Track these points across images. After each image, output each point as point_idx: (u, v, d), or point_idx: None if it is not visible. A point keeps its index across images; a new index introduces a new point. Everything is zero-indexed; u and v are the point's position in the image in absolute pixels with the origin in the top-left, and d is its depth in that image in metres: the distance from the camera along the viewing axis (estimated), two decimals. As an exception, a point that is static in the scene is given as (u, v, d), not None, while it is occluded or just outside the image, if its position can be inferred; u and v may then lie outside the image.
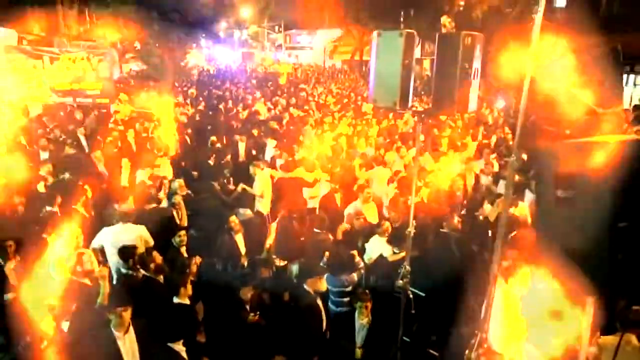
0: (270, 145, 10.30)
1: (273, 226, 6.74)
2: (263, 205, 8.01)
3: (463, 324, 4.86)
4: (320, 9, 34.84)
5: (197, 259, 5.39)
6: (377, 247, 5.89)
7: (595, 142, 2.20)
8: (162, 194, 7.31)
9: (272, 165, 9.01)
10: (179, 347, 4.24)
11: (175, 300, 4.74)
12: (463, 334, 4.45)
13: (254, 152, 10.41)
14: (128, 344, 4.07)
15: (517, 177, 7.59)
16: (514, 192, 6.90)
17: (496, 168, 8.99)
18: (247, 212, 7.39)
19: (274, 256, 6.53)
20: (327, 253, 5.65)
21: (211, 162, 9.34)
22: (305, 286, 5.04)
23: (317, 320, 5.06)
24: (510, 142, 11.32)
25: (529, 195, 6.95)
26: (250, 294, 5.05)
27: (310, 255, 5.81)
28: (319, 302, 5.09)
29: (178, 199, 7.02)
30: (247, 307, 5.00)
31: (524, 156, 7.09)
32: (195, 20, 12.32)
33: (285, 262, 6.18)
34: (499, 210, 5.84)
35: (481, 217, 6.88)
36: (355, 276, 5.52)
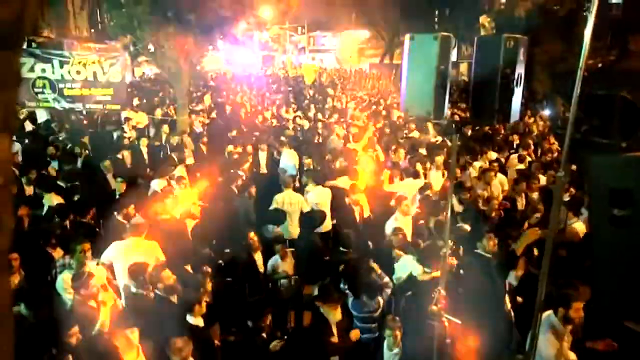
0: (286, 154, 10.25)
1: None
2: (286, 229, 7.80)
3: (506, 357, 4.78)
4: (347, 9, 35.17)
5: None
6: (407, 266, 5.86)
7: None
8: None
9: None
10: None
11: (189, 319, 4.82)
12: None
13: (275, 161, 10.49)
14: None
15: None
16: (569, 209, 6.80)
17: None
18: (276, 229, 7.41)
19: (294, 277, 6.58)
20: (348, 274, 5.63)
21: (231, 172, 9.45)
22: (321, 310, 5.04)
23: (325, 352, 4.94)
24: (555, 154, 11.18)
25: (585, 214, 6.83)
26: (268, 320, 5.08)
27: (333, 277, 5.81)
28: (334, 329, 5.01)
29: (196, 210, 7.14)
30: (264, 334, 5.03)
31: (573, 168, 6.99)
32: (213, 21, 12.53)
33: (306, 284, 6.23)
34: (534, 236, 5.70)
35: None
36: (381, 300, 5.50)
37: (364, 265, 5.78)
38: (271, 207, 7.70)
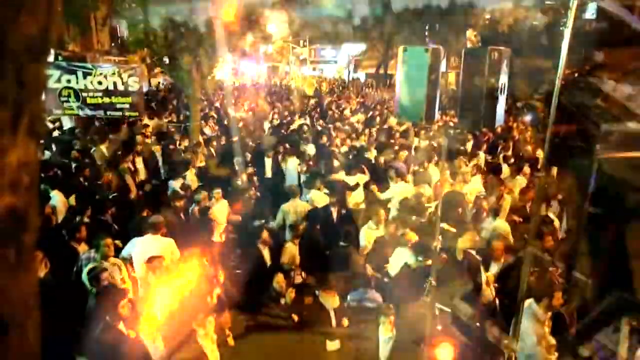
0: (289, 161, 10.12)
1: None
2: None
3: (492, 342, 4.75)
4: (345, 24, 35.21)
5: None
6: (402, 257, 5.85)
7: (629, 158, 2.17)
8: (194, 206, 7.45)
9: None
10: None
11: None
12: (492, 351, 4.36)
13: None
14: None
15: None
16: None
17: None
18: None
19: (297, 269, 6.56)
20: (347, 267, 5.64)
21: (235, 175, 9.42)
22: (319, 297, 5.07)
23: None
24: (535, 156, 11.17)
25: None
26: (283, 283, 5.17)
27: (332, 269, 5.81)
28: (332, 315, 5.06)
29: (216, 212, 7.13)
30: (282, 300, 5.06)
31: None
32: (222, 35, 12.55)
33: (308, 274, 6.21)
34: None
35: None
36: (375, 293, 5.50)
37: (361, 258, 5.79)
38: (277, 216, 7.64)
